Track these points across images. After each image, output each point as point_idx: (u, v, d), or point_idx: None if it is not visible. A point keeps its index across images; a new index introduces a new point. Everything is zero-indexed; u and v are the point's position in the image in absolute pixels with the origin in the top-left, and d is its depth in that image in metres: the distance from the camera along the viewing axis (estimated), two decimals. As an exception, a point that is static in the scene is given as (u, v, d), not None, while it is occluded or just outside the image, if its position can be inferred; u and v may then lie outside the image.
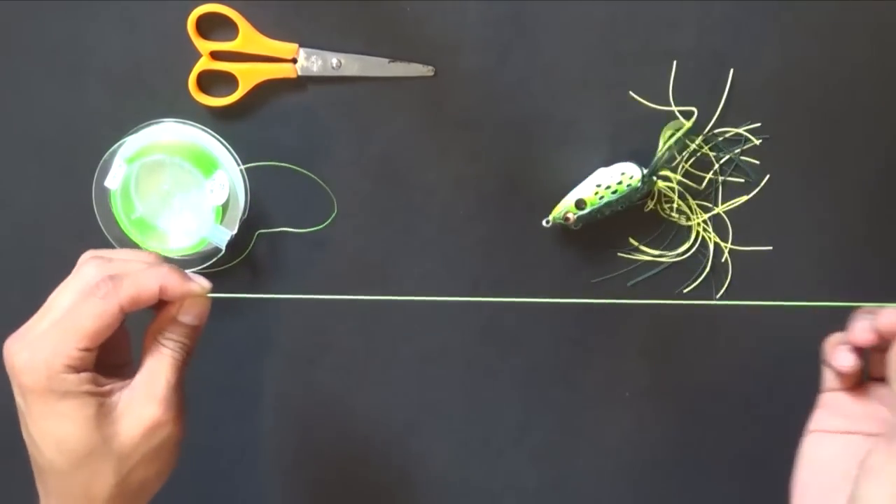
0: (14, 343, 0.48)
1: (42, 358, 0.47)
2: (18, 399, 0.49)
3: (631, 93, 0.66)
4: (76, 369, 0.47)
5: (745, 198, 0.68)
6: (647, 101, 0.67)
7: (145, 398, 0.49)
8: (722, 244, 0.69)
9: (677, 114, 0.67)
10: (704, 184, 0.68)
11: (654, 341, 0.71)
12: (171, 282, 0.50)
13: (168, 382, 0.50)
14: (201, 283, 0.52)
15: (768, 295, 0.70)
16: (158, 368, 0.51)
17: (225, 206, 0.65)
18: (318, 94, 0.66)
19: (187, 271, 0.52)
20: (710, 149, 0.67)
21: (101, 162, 0.65)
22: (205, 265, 0.67)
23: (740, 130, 0.67)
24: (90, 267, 0.49)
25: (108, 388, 0.49)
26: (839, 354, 0.54)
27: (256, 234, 0.68)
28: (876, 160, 0.68)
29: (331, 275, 0.69)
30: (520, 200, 0.68)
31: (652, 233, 0.69)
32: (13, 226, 0.68)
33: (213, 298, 0.53)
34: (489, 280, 0.69)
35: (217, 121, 0.66)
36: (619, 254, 0.69)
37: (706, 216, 0.68)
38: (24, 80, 0.66)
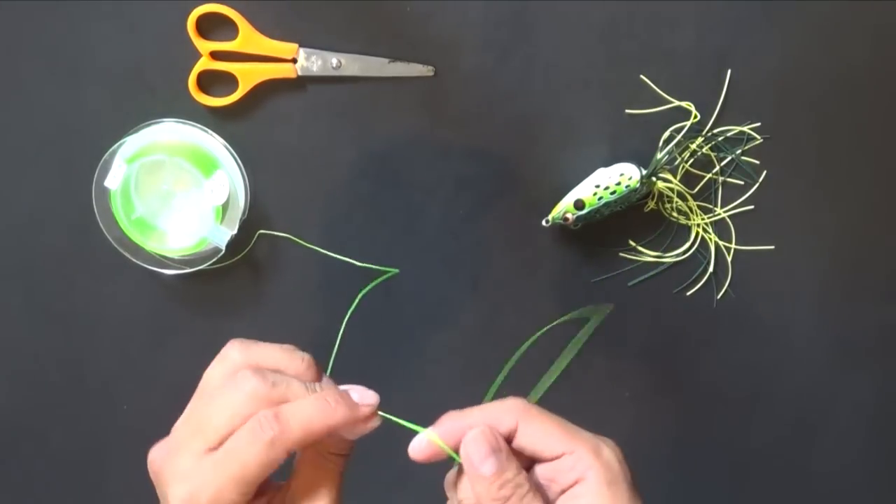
0: (168, 465, 0.45)
1: (204, 499, 0.44)
2: None
3: (631, 92, 0.66)
4: None
5: (745, 197, 0.68)
6: (647, 100, 0.67)
7: None
8: (722, 244, 0.69)
9: (677, 114, 0.67)
10: (703, 183, 0.68)
11: (654, 341, 0.71)
12: (341, 416, 0.46)
13: (334, 501, 0.48)
14: (369, 402, 0.48)
15: (769, 295, 0.70)
16: (323, 485, 0.47)
17: (225, 206, 0.65)
18: (318, 94, 0.66)
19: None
20: (710, 149, 0.67)
21: (101, 162, 0.65)
22: (205, 265, 0.67)
23: (743, 128, 0.67)
24: (248, 380, 0.45)
25: None
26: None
27: (258, 233, 0.68)
28: (876, 159, 0.68)
29: (331, 275, 0.69)
30: (520, 200, 0.68)
31: (652, 233, 0.69)
32: (13, 225, 0.68)
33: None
34: (489, 280, 0.69)
35: (217, 121, 0.66)
36: (620, 254, 0.69)
37: (706, 217, 0.68)
38: (24, 80, 0.66)
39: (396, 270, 0.61)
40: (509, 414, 0.47)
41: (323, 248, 0.68)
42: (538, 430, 0.46)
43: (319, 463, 0.48)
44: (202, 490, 0.43)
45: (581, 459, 0.45)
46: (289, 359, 0.48)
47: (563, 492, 0.46)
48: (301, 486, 0.47)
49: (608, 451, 0.46)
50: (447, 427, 0.47)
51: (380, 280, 0.61)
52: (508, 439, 0.47)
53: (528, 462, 0.47)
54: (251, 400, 0.44)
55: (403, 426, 0.48)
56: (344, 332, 0.70)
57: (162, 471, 0.45)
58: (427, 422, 0.74)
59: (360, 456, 0.74)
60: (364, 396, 0.48)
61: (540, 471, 0.47)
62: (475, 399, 0.72)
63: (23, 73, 0.66)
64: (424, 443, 0.47)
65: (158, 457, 0.46)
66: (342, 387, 0.48)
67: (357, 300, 0.60)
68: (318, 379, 0.48)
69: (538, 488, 0.46)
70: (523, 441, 0.46)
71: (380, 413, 0.49)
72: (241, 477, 0.43)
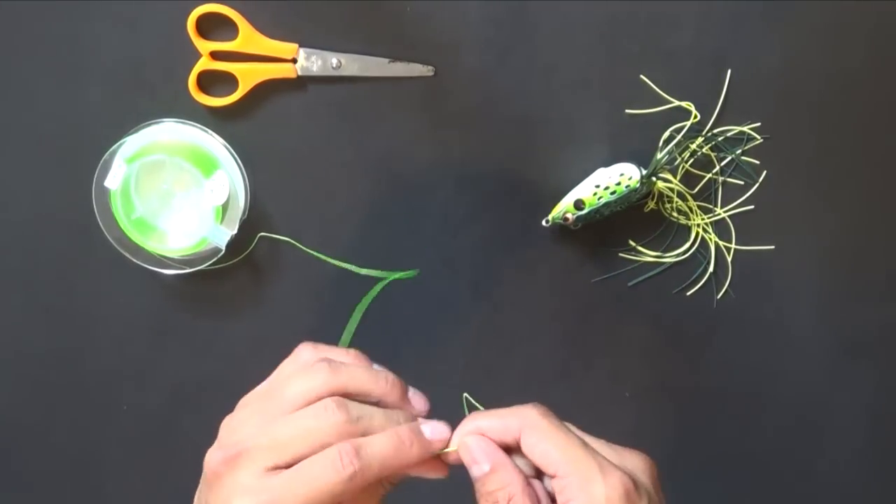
0: (231, 475, 0.44)
1: None
2: None
3: (631, 92, 0.66)
4: None
5: (745, 197, 0.68)
6: (647, 100, 0.67)
7: None
8: (722, 244, 0.69)
9: (677, 114, 0.67)
10: (703, 183, 0.68)
11: (654, 341, 0.71)
12: (416, 455, 0.46)
13: None
14: (441, 435, 0.48)
15: (769, 295, 0.70)
16: None
17: (225, 206, 0.65)
18: (318, 94, 0.66)
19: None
20: (710, 149, 0.67)
21: (101, 162, 0.64)
22: (205, 265, 0.67)
23: (743, 128, 0.67)
24: (334, 414, 0.45)
25: None
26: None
27: (258, 236, 0.68)
28: (875, 159, 0.68)
29: (331, 275, 0.69)
30: (520, 200, 0.68)
31: (652, 233, 0.69)
32: (13, 226, 0.68)
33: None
34: (489, 280, 0.69)
35: (217, 121, 0.66)
36: (620, 254, 0.69)
37: (706, 217, 0.68)
38: (24, 80, 0.66)
39: (416, 271, 0.62)
40: (517, 422, 0.47)
41: (323, 248, 0.68)
42: (538, 444, 0.46)
43: (374, 489, 0.48)
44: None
45: (568, 487, 0.45)
46: (374, 381, 0.48)
47: None
48: None
49: (600, 488, 0.44)
50: (461, 432, 0.48)
51: (398, 276, 0.61)
52: (518, 447, 0.47)
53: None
54: (334, 432, 0.44)
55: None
56: (357, 325, 0.70)
57: (222, 478, 0.44)
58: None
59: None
60: (436, 433, 0.48)
61: (549, 482, 0.47)
62: (475, 399, 0.72)
63: (23, 73, 0.66)
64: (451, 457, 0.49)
65: (219, 461, 0.45)
66: (421, 421, 0.49)
67: (374, 292, 0.60)
68: (405, 397, 0.49)
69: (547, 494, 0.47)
70: (525, 450, 0.47)
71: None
72: (310, 501, 0.43)
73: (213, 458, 0.45)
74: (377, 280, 0.69)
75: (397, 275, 0.61)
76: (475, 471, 0.47)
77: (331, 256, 0.68)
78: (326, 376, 0.46)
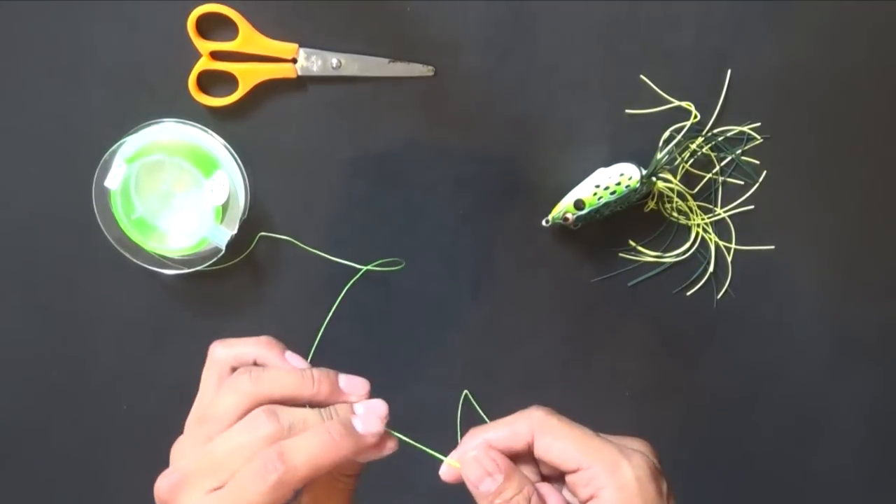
0: (182, 499, 0.44)
1: None
2: None
3: (631, 92, 0.66)
4: None
5: (745, 197, 0.68)
6: (647, 100, 0.67)
7: None
8: (722, 244, 0.69)
9: (677, 114, 0.67)
10: (703, 183, 0.68)
11: (654, 341, 0.71)
12: (347, 450, 0.45)
13: None
14: (373, 430, 0.47)
15: (769, 295, 0.70)
16: None
17: (225, 206, 0.65)
18: (318, 94, 0.66)
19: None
20: (710, 149, 0.67)
21: (101, 162, 0.65)
22: (205, 265, 0.67)
23: (743, 128, 0.67)
24: (265, 426, 0.44)
25: None
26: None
27: (258, 235, 0.68)
28: (875, 159, 0.68)
29: (331, 275, 0.69)
30: (520, 200, 0.68)
31: (653, 233, 0.69)
32: (13, 226, 0.68)
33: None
34: (489, 280, 0.69)
35: (217, 121, 0.66)
36: (620, 254, 0.69)
37: (706, 217, 0.68)
38: (24, 80, 0.66)
39: (401, 265, 0.62)
40: (526, 426, 0.47)
41: (323, 248, 0.68)
42: (554, 442, 0.46)
43: (330, 484, 0.48)
44: None
45: (594, 477, 0.45)
46: (299, 383, 0.47)
47: None
48: None
49: (628, 470, 0.45)
50: (465, 448, 0.48)
51: (383, 269, 0.61)
52: (529, 452, 0.47)
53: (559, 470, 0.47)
54: (267, 444, 0.44)
55: (424, 451, 0.49)
56: (343, 331, 0.70)
57: (169, 499, 0.45)
58: (430, 421, 0.74)
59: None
60: (368, 424, 0.47)
61: (568, 479, 0.47)
62: (477, 399, 0.72)
63: (23, 73, 0.66)
64: (449, 470, 0.48)
65: (165, 489, 0.45)
66: (358, 400, 0.48)
67: (354, 280, 0.60)
68: (336, 390, 0.48)
69: (560, 497, 0.47)
70: (540, 452, 0.47)
71: (398, 436, 0.49)
72: None
73: (160, 486, 0.45)
74: (378, 274, 0.69)
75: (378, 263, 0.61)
76: (487, 484, 0.46)
77: (331, 256, 0.68)
78: (249, 388, 0.46)
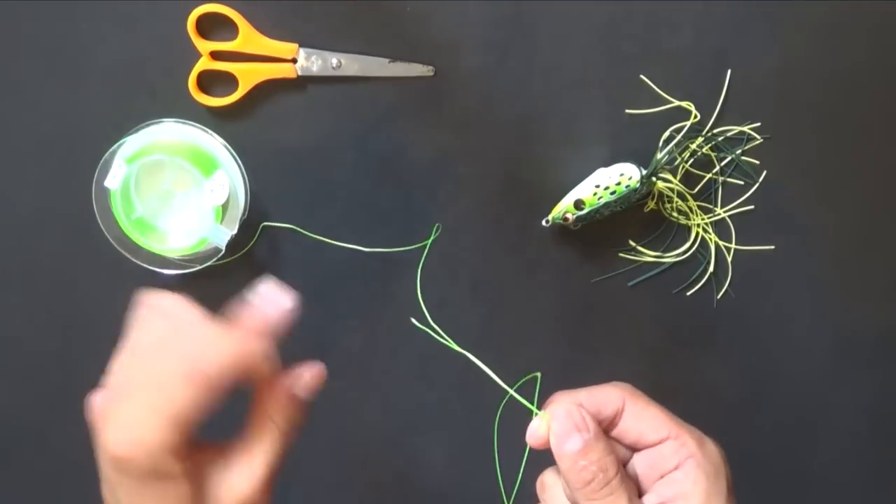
0: (109, 417, 0.45)
1: (144, 443, 0.43)
2: (107, 470, 0.45)
3: (631, 92, 0.66)
4: (178, 456, 0.43)
5: (745, 197, 0.68)
6: (647, 100, 0.67)
7: (247, 482, 0.45)
8: (722, 244, 0.69)
9: (677, 114, 0.67)
10: (703, 183, 0.68)
11: (654, 341, 0.71)
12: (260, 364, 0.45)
13: (272, 469, 0.46)
14: (277, 301, 0.47)
15: (769, 295, 0.70)
16: (269, 451, 0.46)
17: (225, 206, 0.65)
18: (318, 94, 0.66)
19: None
20: (710, 149, 0.67)
21: (101, 162, 0.64)
22: (205, 265, 0.67)
23: (743, 128, 0.67)
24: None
25: (204, 466, 0.45)
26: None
27: (261, 226, 0.68)
28: (875, 159, 0.68)
29: (331, 274, 0.69)
30: (520, 200, 0.68)
31: (653, 233, 0.69)
32: (13, 226, 0.68)
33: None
34: (489, 280, 0.69)
35: (217, 121, 0.66)
36: (620, 254, 0.69)
37: (706, 217, 0.69)
38: (24, 80, 0.66)
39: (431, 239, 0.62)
40: (616, 394, 0.48)
41: (323, 248, 0.68)
42: (645, 411, 0.47)
43: (269, 430, 0.47)
44: (141, 434, 0.43)
45: (684, 446, 0.46)
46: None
47: (661, 477, 0.46)
48: (238, 445, 0.47)
49: (712, 446, 0.47)
50: (556, 405, 0.47)
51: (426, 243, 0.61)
52: (611, 425, 0.48)
53: (626, 455, 0.48)
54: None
55: (523, 404, 0.48)
56: (343, 331, 0.69)
57: (104, 429, 0.45)
58: (429, 422, 0.75)
59: (359, 460, 0.74)
60: (264, 305, 0.47)
61: (638, 459, 0.47)
62: (477, 399, 0.72)
63: (23, 73, 0.66)
64: (542, 428, 0.47)
65: (102, 413, 0.46)
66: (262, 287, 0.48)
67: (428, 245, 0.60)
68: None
69: (630, 479, 0.47)
70: (629, 422, 0.47)
71: (513, 393, 0.49)
72: (176, 416, 0.43)
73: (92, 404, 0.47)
74: (379, 274, 0.69)
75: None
76: (574, 442, 0.45)
77: (331, 256, 0.68)
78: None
